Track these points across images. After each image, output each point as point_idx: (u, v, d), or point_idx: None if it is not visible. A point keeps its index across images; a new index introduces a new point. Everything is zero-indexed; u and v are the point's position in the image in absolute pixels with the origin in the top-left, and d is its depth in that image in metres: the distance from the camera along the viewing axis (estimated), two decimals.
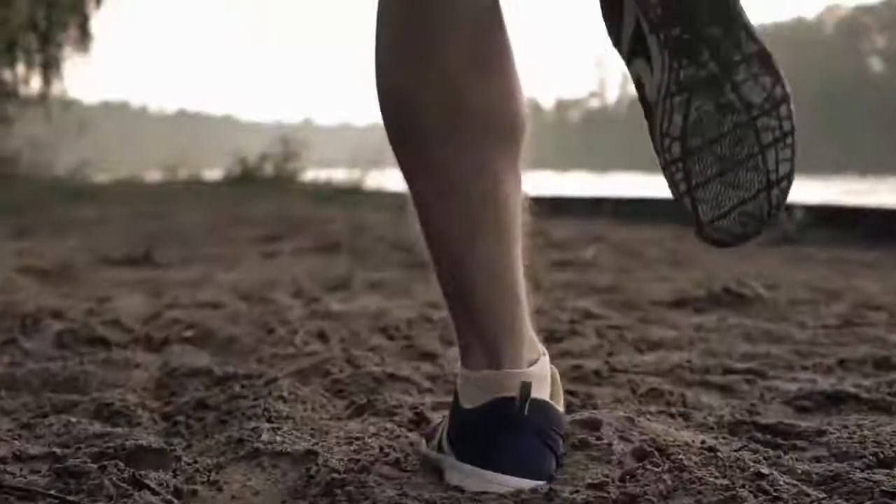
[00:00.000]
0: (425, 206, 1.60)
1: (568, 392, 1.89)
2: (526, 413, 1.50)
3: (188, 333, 2.58)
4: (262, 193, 13.17)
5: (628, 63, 1.51)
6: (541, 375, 1.56)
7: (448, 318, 1.65)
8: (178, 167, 17.79)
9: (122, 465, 1.43)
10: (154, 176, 18.41)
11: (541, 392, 1.54)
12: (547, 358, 1.62)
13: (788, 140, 1.44)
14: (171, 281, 4.51)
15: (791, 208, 7.42)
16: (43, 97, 19.21)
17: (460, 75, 1.51)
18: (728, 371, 2.15)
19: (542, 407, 1.53)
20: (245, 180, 15.85)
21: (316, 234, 6.90)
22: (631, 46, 1.49)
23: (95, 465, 1.43)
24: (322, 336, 2.51)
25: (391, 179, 13.31)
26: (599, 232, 7.38)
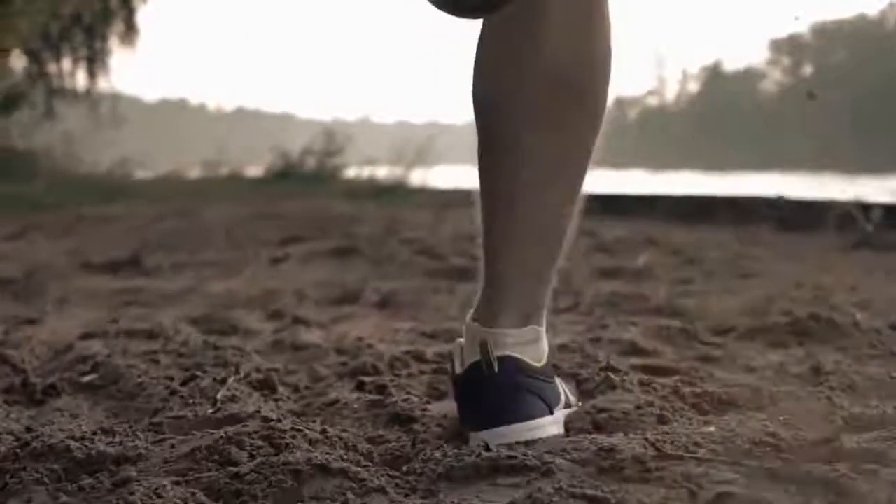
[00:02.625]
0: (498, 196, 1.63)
1: (589, 500, 1.22)
2: (496, 370, 1.57)
3: (87, 378, 1.92)
4: (301, 190, 12.57)
5: None
6: (524, 339, 1.62)
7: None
8: (219, 163, 17.30)
9: None
10: (196, 173, 17.96)
11: (522, 355, 1.61)
12: (544, 335, 1.67)
13: None
14: (145, 292, 3.88)
15: (869, 208, 6.73)
16: (88, 92, 18.90)
17: (562, 69, 1.57)
18: (838, 456, 1.43)
19: (511, 362, 1.59)
20: (286, 176, 15.30)
21: (340, 236, 6.25)
22: None
23: None
24: (263, 386, 1.84)
25: (435, 176, 12.72)
26: (653, 233, 6.66)
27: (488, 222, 1.64)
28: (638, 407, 1.62)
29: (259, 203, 10.57)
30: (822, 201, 8.75)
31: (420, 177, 13.33)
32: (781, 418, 1.69)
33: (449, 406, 1.74)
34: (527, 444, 1.51)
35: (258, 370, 1.98)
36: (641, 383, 1.81)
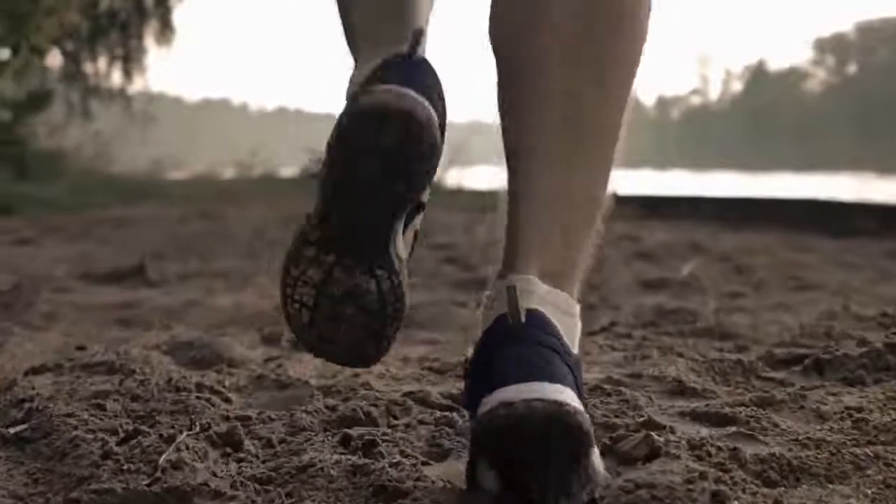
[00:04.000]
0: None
1: None
2: (523, 321, 1.35)
3: (16, 430, 1.57)
4: None
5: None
6: (556, 303, 1.41)
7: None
8: (253, 164, 17.05)
9: None
10: (229, 173, 17.71)
11: (555, 320, 1.38)
12: (578, 311, 1.47)
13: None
14: (142, 307, 3.55)
15: None
16: (123, 91, 18.74)
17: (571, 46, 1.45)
18: None
19: (539, 316, 1.36)
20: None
21: None
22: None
23: None
24: (226, 441, 1.47)
25: (472, 178, 12.40)
26: (698, 238, 6.29)
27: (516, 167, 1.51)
28: (688, 481, 1.26)
29: (288, 205, 10.25)
30: (867, 204, 8.37)
31: (456, 177, 12.99)
32: (870, 492, 1.33)
33: (450, 469, 1.40)
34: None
35: (226, 417, 1.63)
36: (691, 445, 1.44)
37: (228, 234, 6.86)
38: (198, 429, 1.50)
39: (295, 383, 1.91)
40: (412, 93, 1.36)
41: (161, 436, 1.45)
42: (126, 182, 13.58)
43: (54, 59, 17.00)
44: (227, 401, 1.79)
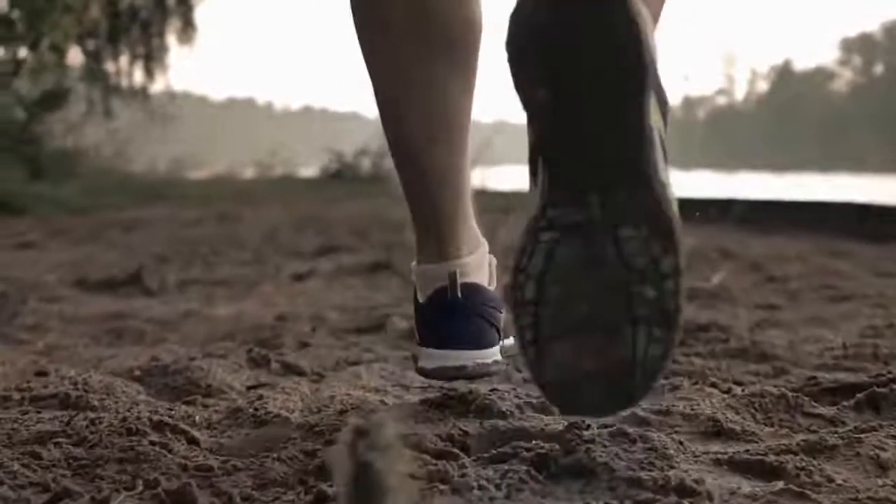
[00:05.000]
0: (386, 105, 1.69)
1: None
2: (459, 296, 1.69)
3: None
4: (352, 192, 12.03)
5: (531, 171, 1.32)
6: (478, 263, 1.75)
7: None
8: (273, 164, 16.88)
9: None
10: (249, 173, 17.56)
11: (477, 277, 1.75)
12: (486, 247, 1.81)
13: (666, 323, 1.22)
14: (134, 318, 3.32)
15: None
16: (144, 90, 18.62)
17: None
18: None
19: (473, 288, 1.72)
20: (339, 178, 14.79)
21: (379, 247, 5.67)
22: (530, 158, 1.31)
23: None
24: (171, 503, 1.24)
25: (496, 178, 12.15)
26: (727, 243, 6.02)
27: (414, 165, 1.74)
28: None
29: (306, 206, 10.06)
30: None
31: (479, 178, 12.74)
32: None
33: None
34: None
35: (183, 467, 1.39)
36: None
37: (239, 237, 6.63)
38: (141, 487, 1.25)
39: (273, 420, 1.67)
40: None
41: (94, 499, 1.21)
42: (143, 182, 13.41)
43: (75, 57, 16.85)
44: (193, 441, 1.55)
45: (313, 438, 1.56)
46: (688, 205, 5.50)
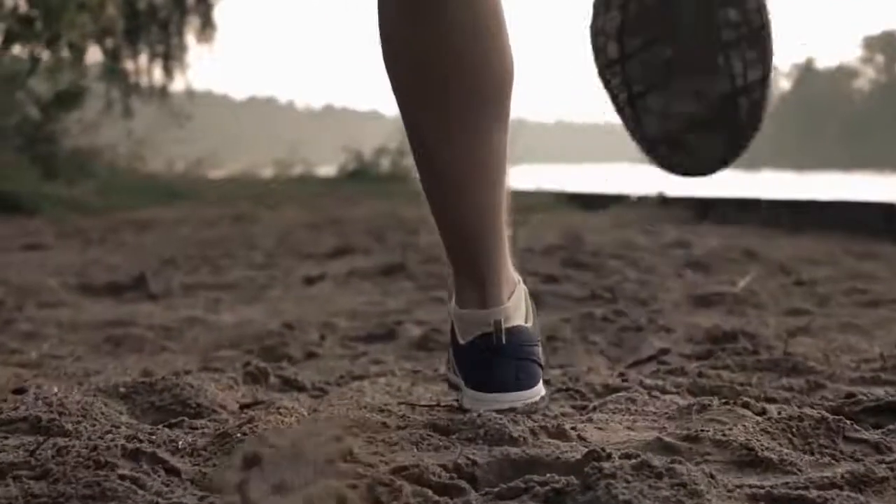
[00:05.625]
0: (422, 151, 1.67)
1: None
2: (504, 342, 1.71)
3: None
4: (371, 192, 11.89)
5: None
6: (517, 304, 1.75)
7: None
8: (292, 163, 16.73)
9: None
10: (268, 172, 17.43)
11: (517, 318, 1.75)
12: (522, 284, 1.79)
13: (757, 38, 1.20)
14: (135, 325, 3.19)
15: None
16: (163, 89, 18.52)
17: (466, 29, 1.52)
18: None
19: (516, 332, 1.73)
20: (358, 177, 14.64)
21: (395, 248, 5.52)
22: None
23: None
24: None
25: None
26: (751, 244, 5.84)
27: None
28: None
29: (323, 206, 9.92)
30: None
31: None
32: None
33: None
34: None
35: None
36: None
37: (252, 239, 6.50)
38: None
39: None
40: None
41: None
42: (161, 182, 13.29)
43: (94, 56, 16.75)
44: (172, 472, 1.40)
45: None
46: (712, 204, 5.31)
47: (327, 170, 17.27)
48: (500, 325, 1.71)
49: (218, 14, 22.68)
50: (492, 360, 1.72)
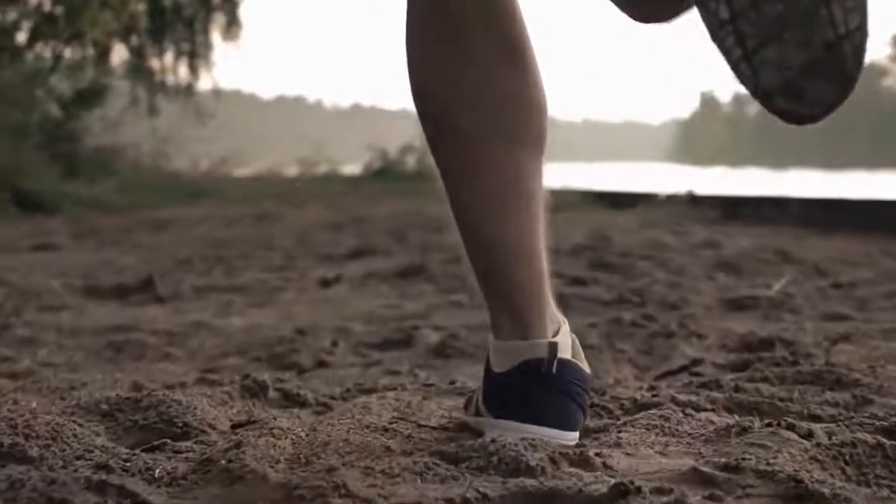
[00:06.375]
0: (455, 188, 1.63)
1: None
2: (554, 371, 1.58)
3: None
4: (395, 190, 11.72)
5: None
6: (564, 343, 1.63)
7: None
8: (317, 161, 16.59)
9: None
10: (293, 171, 17.30)
11: (565, 354, 1.61)
12: (567, 327, 1.67)
13: None
14: (138, 330, 3.04)
15: None
16: (189, 87, 18.40)
17: (494, 66, 1.55)
18: None
19: (567, 365, 1.61)
20: (383, 175, 14.47)
21: (416, 249, 5.36)
22: None
23: None
24: None
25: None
26: (784, 245, 5.65)
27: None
28: None
29: (346, 205, 9.77)
30: None
31: None
32: None
33: None
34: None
35: None
36: None
37: (272, 239, 6.34)
38: None
39: (248, 476, 1.35)
40: None
41: None
42: (185, 181, 13.17)
43: (120, 54, 16.66)
44: None
45: None
46: (742, 203, 5.10)
47: (353, 168, 17.13)
48: (554, 349, 1.59)
49: (244, 12, 22.57)
50: (534, 388, 1.58)
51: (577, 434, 1.60)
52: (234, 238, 6.39)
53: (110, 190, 10.22)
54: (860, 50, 1.33)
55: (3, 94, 10.86)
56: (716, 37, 1.33)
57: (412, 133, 14.27)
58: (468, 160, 1.60)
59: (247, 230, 7.19)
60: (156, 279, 3.79)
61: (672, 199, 9.24)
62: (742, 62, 1.32)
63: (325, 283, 4.09)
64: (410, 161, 15.06)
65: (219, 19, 18.78)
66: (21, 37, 13.21)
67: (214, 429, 1.68)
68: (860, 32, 1.33)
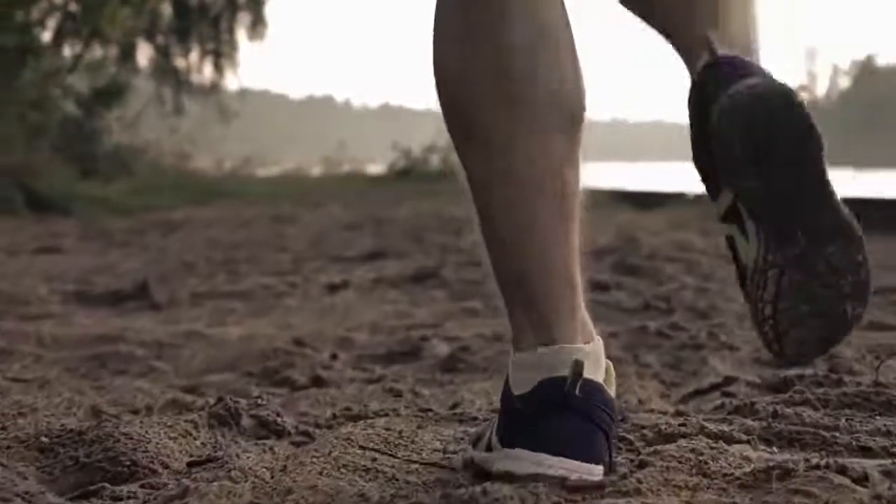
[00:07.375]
0: (481, 191, 1.51)
1: None
2: (577, 392, 1.41)
3: None
4: (418, 191, 11.51)
5: (720, 220, 1.54)
6: (595, 355, 1.47)
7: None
8: (341, 161, 16.48)
9: None
10: (317, 171, 17.20)
11: (594, 375, 1.45)
12: (601, 344, 1.51)
13: (863, 289, 1.49)
14: (125, 341, 2.83)
15: None
16: (214, 86, 18.34)
17: (525, 53, 1.47)
18: None
19: (593, 387, 1.44)
20: (406, 175, 14.30)
21: (435, 250, 5.14)
22: (725, 214, 1.51)
23: None
24: None
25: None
26: None
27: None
28: None
29: (367, 205, 9.57)
30: None
31: None
32: None
33: None
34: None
35: None
36: None
37: (283, 241, 6.12)
38: None
39: None
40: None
41: None
42: (205, 180, 13.02)
43: (145, 53, 16.60)
44: None
45: None
46: None
47: (377, 168, 17.00)
48: (579, 367, 1.41)
49: (271, 12, 22.48)
50: (553, 412, 1.40)
51: (601, 468, 1.39)
52: (245, 240, 6.19)
53: (124, 190, 10.06)
54: (857, 321, 1.50)
55: (22, 94, 10.72)
56: (756, 323, 1.48)
57: (437, 132, 14.11)
58: (495, 157, 1.48)
59: (260, 231, 6.99)
60: (151, 284, 3.56)
61: (701, 199, 9.02)
62: (774, 344, 1.48)
63: (332, 289, 3.87)
64: (434, 160, 14.89)
65: (244, 19, 18.73)
66: (45, 36, 13.08)
67: (167, 468, 1.45)
68: (858, 320, 1.51)
